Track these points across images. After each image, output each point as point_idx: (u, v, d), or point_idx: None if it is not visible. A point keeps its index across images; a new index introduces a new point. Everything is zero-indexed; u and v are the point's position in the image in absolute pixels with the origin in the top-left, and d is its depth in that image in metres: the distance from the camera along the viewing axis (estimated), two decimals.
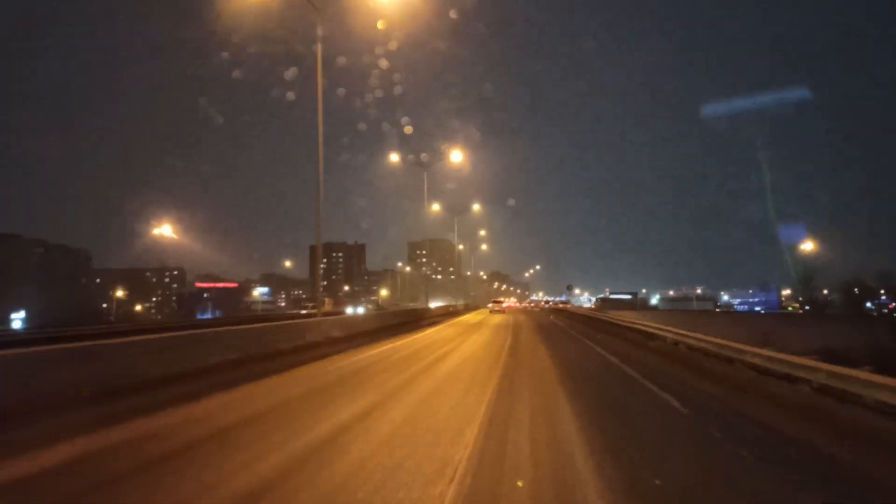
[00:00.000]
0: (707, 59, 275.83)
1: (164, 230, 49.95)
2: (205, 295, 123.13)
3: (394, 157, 38.58)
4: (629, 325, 23.10)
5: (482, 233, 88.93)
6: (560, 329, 28.75)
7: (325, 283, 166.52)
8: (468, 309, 73.11)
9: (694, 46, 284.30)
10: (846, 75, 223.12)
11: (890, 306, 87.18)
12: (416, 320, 33.68)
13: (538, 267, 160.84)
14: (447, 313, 50.18)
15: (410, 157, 41.51)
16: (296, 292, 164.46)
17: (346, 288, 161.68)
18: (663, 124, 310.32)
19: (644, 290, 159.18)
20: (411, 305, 68.33)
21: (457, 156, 38.33)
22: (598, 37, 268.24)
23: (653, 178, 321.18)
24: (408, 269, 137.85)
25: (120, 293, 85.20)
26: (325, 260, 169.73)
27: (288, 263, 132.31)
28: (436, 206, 56.17)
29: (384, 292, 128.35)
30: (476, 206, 67.57)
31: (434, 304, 69.90)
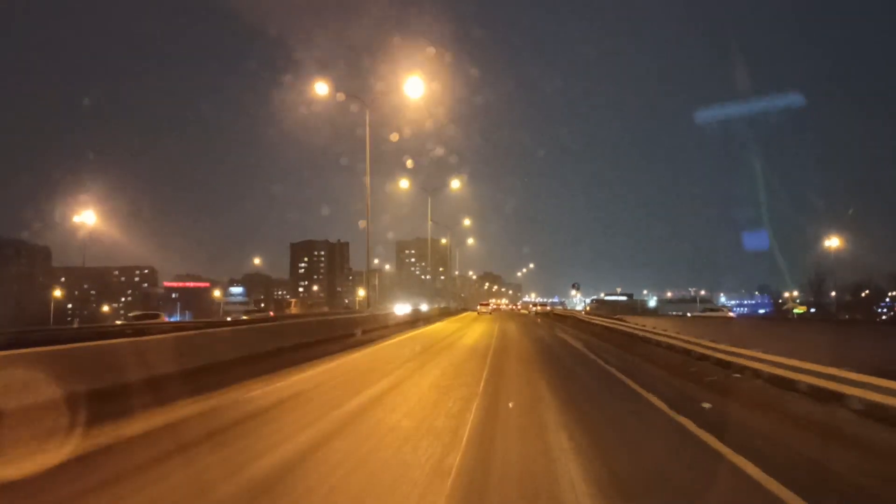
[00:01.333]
0: (710, 62, 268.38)
1: (87, 217, 42.27)
2: (173, 295, 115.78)
3: (322, 89, 27.57)
4: (696, 349, 14.46)
5: (466, 222, 76.64)
6: (582, 359, 16.77)
7: (306, 282, 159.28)
8: (445, 314, 60.51)
9: (697, 48, 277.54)
10: (852, 75, 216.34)
11: None
12: (339, 336, 22.09)
13: (531, 265, 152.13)
14: (408, 322, 38.48)
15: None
16: (279, 293, 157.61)
17: (316, 288, 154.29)
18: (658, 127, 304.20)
19: (645, 292, 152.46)
20: (390, 309, 60.17)
21: (414, 86, 26.90)
22: (594, 38, 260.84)
23: (648, 180, 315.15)
24: (387, 267, 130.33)
25: (58, 293, 77.61)
26: (305, 259, 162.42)
27: (257, 261, 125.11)
28: (404, 183, 47.07)
29: (361, 293, 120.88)
30: (456, 184, 54.43)
31: (409, 308, 61.75)
